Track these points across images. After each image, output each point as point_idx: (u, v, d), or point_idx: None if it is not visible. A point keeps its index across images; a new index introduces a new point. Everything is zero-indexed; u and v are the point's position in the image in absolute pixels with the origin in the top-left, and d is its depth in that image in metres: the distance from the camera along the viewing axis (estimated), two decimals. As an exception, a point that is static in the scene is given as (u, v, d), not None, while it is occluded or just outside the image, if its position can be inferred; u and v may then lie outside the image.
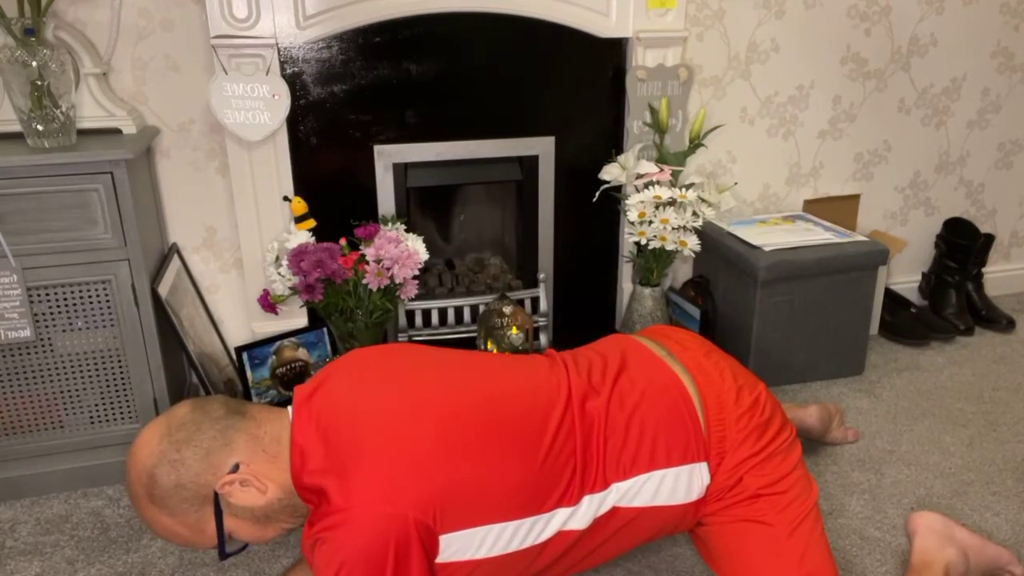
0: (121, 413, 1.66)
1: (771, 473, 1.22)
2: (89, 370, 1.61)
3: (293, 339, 1.92)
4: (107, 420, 1.66)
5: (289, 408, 1.14)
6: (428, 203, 2.24)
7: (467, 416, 1.10)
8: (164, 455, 1.05)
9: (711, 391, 1.25)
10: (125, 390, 1.65)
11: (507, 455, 1.10)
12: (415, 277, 1.79)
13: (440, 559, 1.05)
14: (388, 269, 1.74)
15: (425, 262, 1.79)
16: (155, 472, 1.04)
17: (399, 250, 1.75)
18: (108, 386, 1.63)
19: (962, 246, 2.45)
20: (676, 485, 1.20)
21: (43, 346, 1.57)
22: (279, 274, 1.77)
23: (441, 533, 1.03)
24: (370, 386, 1.12)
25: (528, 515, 1.10)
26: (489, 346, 1.85)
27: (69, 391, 1.61)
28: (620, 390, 1.22)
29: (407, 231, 1.86)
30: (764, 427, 1.25)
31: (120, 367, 1.63)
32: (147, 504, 1.06)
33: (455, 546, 1.05)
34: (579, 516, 1.15)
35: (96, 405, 1.64)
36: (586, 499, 1.15)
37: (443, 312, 2.00)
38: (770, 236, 2.08)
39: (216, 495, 1.06)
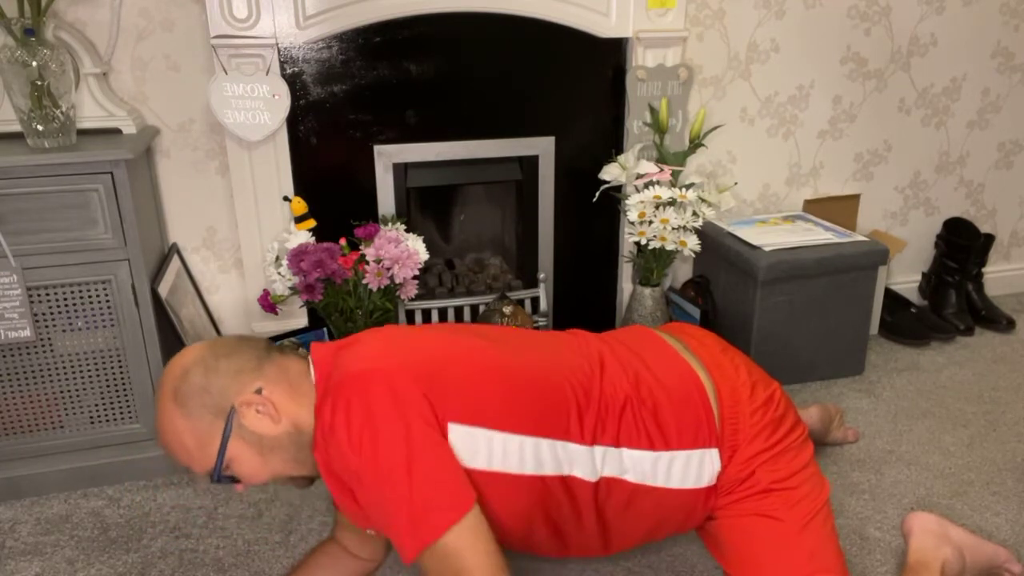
0: (121, 413, 1.66)
1: (783, 468, 1.23)
2: (89, 370, 1.61)
3: (293, 339, 1.92)
4: (107, 420, 1.66)
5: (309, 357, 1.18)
6: (428, 203, 2.24)
7: (478, 350, 1.15)
8: (202, 359, 1.09)
9: (726, 385, 1.25)
10: (125, 390, 1.65)
11: (522, 367, 1.14)
12: (415, 277, 1.79)
13: None
14: (388, 269, 1.74)
15: (425, 262, 1.80)
16: (190, 371, 1.08)
17: (399, 250, 1.75)
18: (108, 386, 1.63)
19: (962, 246, 2.45)
20: (687, 469, 1.20)
21: (43, 346, 1.57)
22: (279, 274, 1.77)
23: (445, 419, 1.05)
24: (395, 342, 1.16)
25: (534, 433, 1.11)
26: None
27: (69, 391, 1.61)
28: (639, 371, 1.23)
29: (407, 231, 1.86)
30: (778, 423, 1.25)
31: (120, 367, 1.63)
32: (170, 402, 1.08)
33: (459, 445, 1.06)
34: (586, 462, 1.14)
35: (96, 405, 1.64)
36: (598, 448, 1.15)
37: (443, 312, 2.00)
38: (770, 236, 2.08)
39: (231, 415, 1.08)
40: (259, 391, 1.09)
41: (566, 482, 1.14)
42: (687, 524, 1.28)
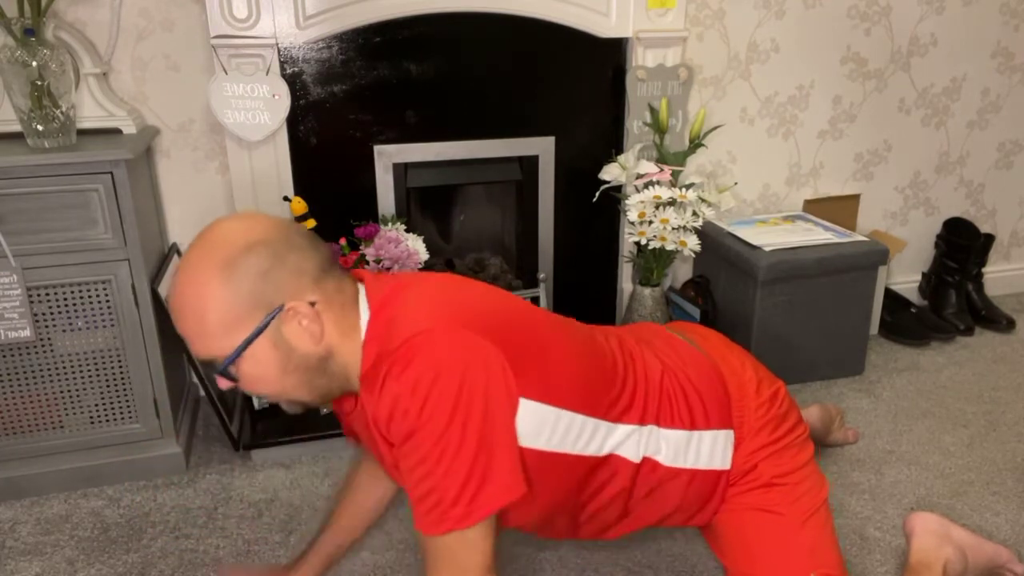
0: (121, 413, 1.66)
1: (785, 464, 1.24)
2: (89, 370, 1.61)
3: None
4: (107, 420, 1.66)
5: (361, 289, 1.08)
6: (428, 203, 2.24)
7: (539, 317, 1.12)
8: (273, 243, 0.97)
9: (733, 379, 1.26)
10: (125, 390, 1.65)
11: (575, 341, 1.11)
12: (415, 277, 1.78)
13: None
14: (388, 269, 1.74)
15: (425, 262, 1.79)
16: (255, 248, 0.95)
17: (399, 250, 1.75)
18: (108, 386, 1.63)
19: (962, 246, 2.45)
20: (714, 448, 1.21)
21: (43, 346, 1.57)
22: (279, 274, 1.76)
23: (520, 393, 1.00)
24: (466, 293, 1.11)
25: (593, 414, 1.09)
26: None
27: (69, 391, 1.61)
28: (664, 355, 1.24)
29: (407, 231, 1.86)
30: (781, 419, 1.27)
31: (120, 367, 1.63)
32: (216, 267, 0.95)
33: (526, 421, 1.01)
34: (634, 443, 1.14)
35: (96, 405, 1.64)
36: (644, 428, 1.15)
37: (443, 312, 2.00)
38: (770, 236, 2.08)
39: (276, 314, 0.97)
40: (313, 304, 0.99)
41: (611, 462, 1.13)
42: (700, 515, 1.26)
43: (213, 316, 0.95)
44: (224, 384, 1.02)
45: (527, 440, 1.02)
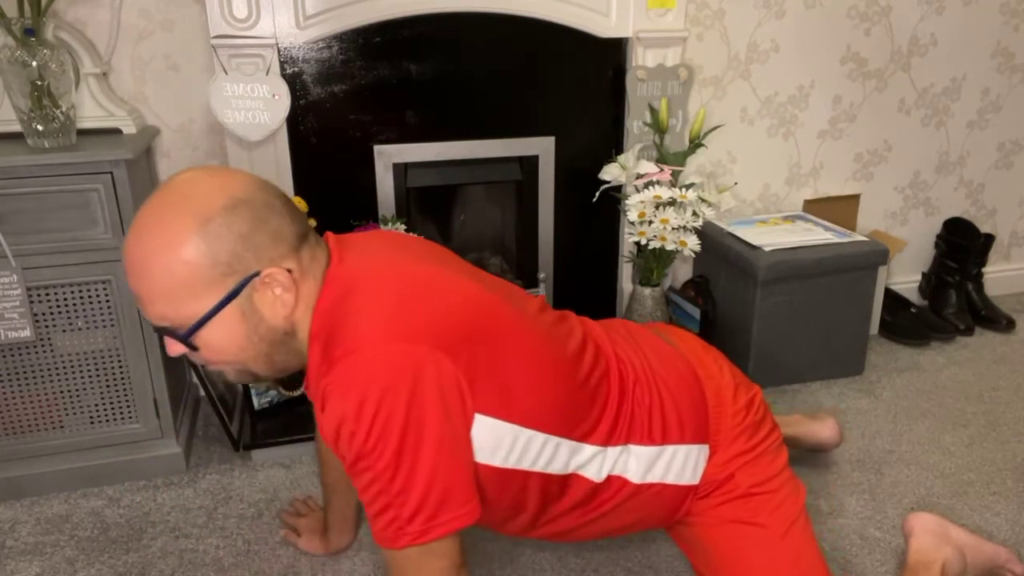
0: (121, 413, 1.66)
1: (762, 472, 1.21)
2: (89, 370, 1.61)
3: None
4: (107, 420, 1.66)
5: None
6: (428, 203, 2.24)
7: (505, 310, 1.03)
8: (255, 204, 0.90)
9: (711, 383, 1.24)
10: (125, 390, 1.64)
11: (544, 355, 1.04)
12: (415, 277, 1.78)
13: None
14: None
15: (425, 262, 1.79)
16: (238, 207, 0.88)
17: (399, 250, 1.75)
18: (108, 386, 1.63)
19: (962, 246, 2.45)
20: (685, 463, 1.17)
21: (43, 346, 1.57)
22: (279, 274, 1.76)
23: (475, 410, 0.94)
24: (407, 258, 1.04)
25: (557, 433, 1.04)
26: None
27: (69, 391, 1.61)
28: (641, 362, 1.19)
29: (407, 231, 1.86)
30: (757, 426, 1.25)
31: (120, 367, 1.63)
32: (192, 221, 0.87)
33: (482, 437, 0.96)
34: (598, 463, 1.11)
35: (96, 405, 1.64)
36: (610, 449, 1.11)
37: (443, 312, 2.00)
38: (770, 236, 2.08)
39: (249, 280, 0.90)
40: (290, 272, 0.93)
41: (568, 480, 1.10)
42: (664, 522, 1.25)
43: (182, 277, 0.87)
44: (175, 350, 0.94)
45: (483, 456, 0.98)
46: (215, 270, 0.88)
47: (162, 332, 0.93)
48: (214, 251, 0.87)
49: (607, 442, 1.11)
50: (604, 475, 1.12)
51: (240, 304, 0.91)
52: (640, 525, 1.24)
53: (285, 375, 1.04)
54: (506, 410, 0.98)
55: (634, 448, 1.14)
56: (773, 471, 1.22)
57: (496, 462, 1.00)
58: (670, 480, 1.17)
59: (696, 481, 1.20)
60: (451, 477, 0.93)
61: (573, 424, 1.07)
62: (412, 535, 0.92)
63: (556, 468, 1.07)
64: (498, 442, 0.99)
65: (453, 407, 0.92)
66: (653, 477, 1.16)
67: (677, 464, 1.17)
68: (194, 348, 0.94)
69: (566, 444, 1.07)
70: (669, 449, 1.16)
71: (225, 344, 0.93)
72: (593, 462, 1.11)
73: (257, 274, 0.90)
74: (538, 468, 1.05)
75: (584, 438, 1.09)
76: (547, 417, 1.03)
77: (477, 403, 0.94)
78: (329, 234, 1.05)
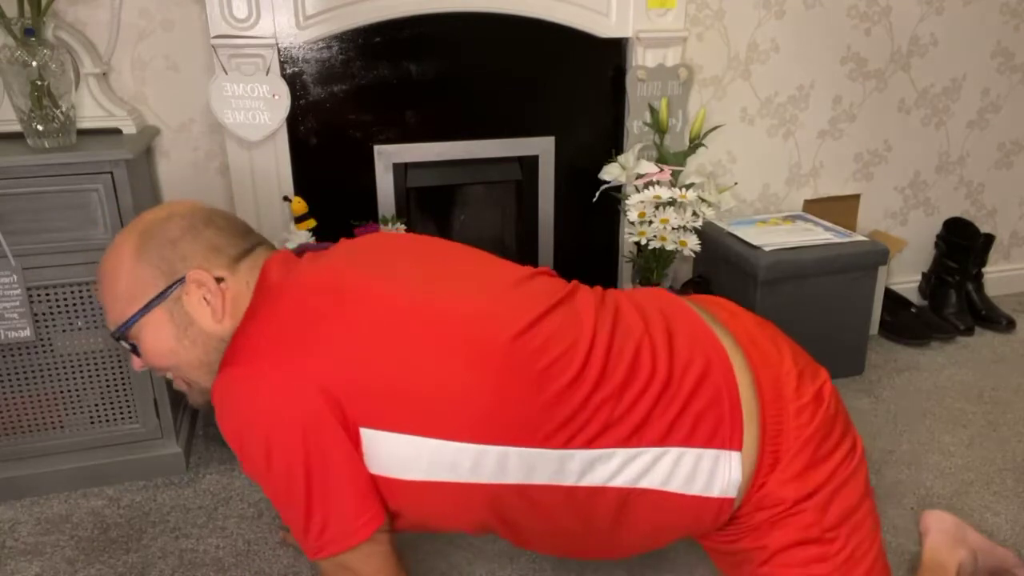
0: (121, 413, 1.66)
1: (837, 505, 0.99)
2: (89, 370, 1.61)
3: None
4: (107, 420, 1.66)
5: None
6: (428, 203, 2.24)
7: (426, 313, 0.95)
8: (192, 216, 1.00)
9: (767, 372, 1.01)
10: (125, 390, 1.64)
11: (482, 366, 0.93)
12: (415, 277, 1.78)
13: (370, 468, 0.93)
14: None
15: (425, 262, 1.79)
16: (172, 219, 0.99)
17: (399, 250, 1.75)
18: (108, 386, 1.63)
19: (962, 246, 2.45)
20: (696, 471, 0.96)
21: (43, 346, 1.57)
22: (279, 274, 1.76)
23: (361, 424, 0.91)
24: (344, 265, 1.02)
25: (501, 442, 0.92)
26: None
27: (69, 391, 1.61)
28: (652, 342, 1.00)
29: (407, 231, 1.86)
30: (828, 430, 1.00)
31: (120, 367, 1.62)
32: (134, 234, 0.99)
33: (383, 454, 0.92)
34: (556, 469, 0.94)
35: (96, 405, 1.64)
36: (566, 451, 0.94)
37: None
38: (770, 236, 2.08)
39: (176, 285, 0.97)
40: (220, 280, 0.99)
41: (526, 491, 0.96)
42: (694, 529, 1.05)
43: (122, 282, 0.98)
44: (135, 363, 1.03)
45: (389, 470, 0.93)
46: (147, 273, 0.98)
47: (113, 338, 1.01)
48: (144, 254, 0.98)
49: (564, 441, 0.94)
50: (571, 483, 0.96)
51: (168, 306, 0.98)
52: (664, 536, 1.06)
53: None
54: (404, 422, 0.92)
55: (619, 450, 0.96)
56: (850, 503, 0.99)
57: (416, 476, 0.94)
58: (672, 488, 0.97)
59: (711, 494, 0.98)
60: (333, 502, 0.92)
61: (527, 432, 0.93)
62: (312, 551, 0.95)
63: (512, 479, 0.94)
64: (400, 453, 0.93)
65: (327, 432, 0.90)
66: (650, 484, 0.97)
67: (682, 471, 0.97)
68: (136, 351, 1.02)
69: (514, 452, 0.93)
70: (674, 452, 0.96)
71: (160, 347, 1.00)
72: (551, 469, 0.95)
73: (183, 279, 0.98)
74: (484, 480, 0.94)
75: (543, 443, 0.94)
76: (488, 429, 0.93)
77: (362, 418, 0.91)
78: (296, 250, 1.08)
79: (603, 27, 1.96)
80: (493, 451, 0.93)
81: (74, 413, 1.63)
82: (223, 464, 1.76)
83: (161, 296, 0.98)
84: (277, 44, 1.75)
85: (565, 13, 1.92)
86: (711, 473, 0.97)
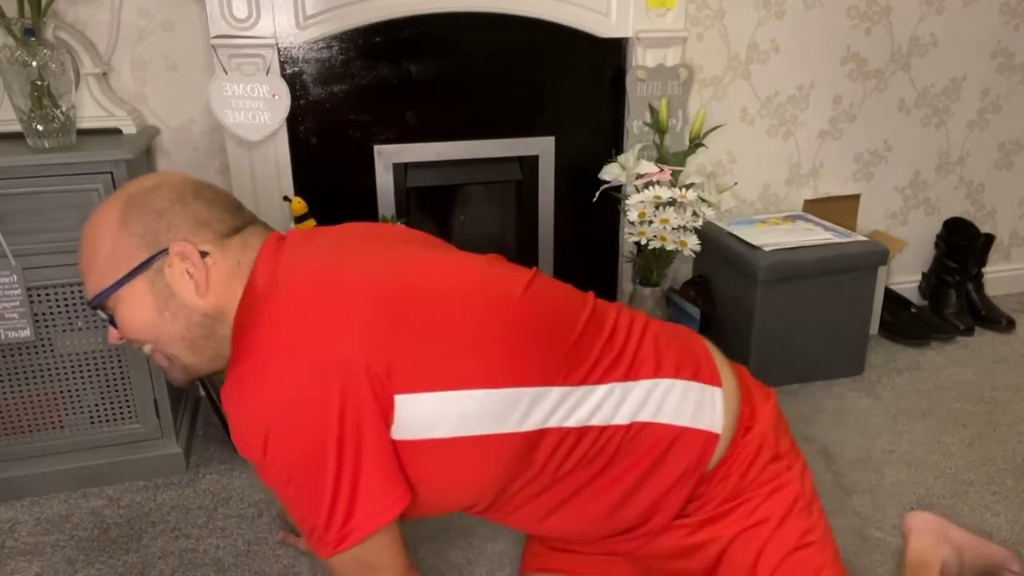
0: (121, 413, 1.66)
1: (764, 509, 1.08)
2: (89, 370, 1.61)
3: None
4: (107, 420, 1.66)
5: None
6: (428, 203, 2.24)
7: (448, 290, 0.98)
8: (181, 187, 0.97)
9: (743, 377, 1.16)
10: (125, 390, 1.64)
11: (474, 303, 0.97)
12: (415, 277, 1.78)
13: (395, 434, 0.92)
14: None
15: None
16: (160, 189, 0.96)
17: (399, 250, 1.75)
18: (108, 386, 1.63)
19: (962, 246, 2.45)
20: (684, 400, 1.05)
21: (43, 346, 1.57)
22: (279, 274, 1.76)
23: (398, 392, 0.90)
24: (342, 251, 1.01)
25: (506, 384, 0.95)
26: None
27: (69, 391, 1.61)
28: (629, 311, 1.12)
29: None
30: (786, 427, 1.16)
31: (120, 367, 1.63)
32: (120, 202, 0.96)
33: (412, 416, 0.91)
34: (571, 406, 0.99)
35: (96, 405, 1.64)
36: (582, 388, 1.00)
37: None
38: (770, 236, 2.08)
39: (159, 256, 0.94)
40: (205, 255, 0.96)
41: (544, 437, 0.99)
42: (683, 477, 1.07)
43: (103, 249, 0.95)
44: (112, 335, 1.00)
45: (417, 432, 0.92)
46: (130, 242, 0.94)
47: (90, 306, 0.98)
48: (131, 225, 0.94)
49: (576, 378, 1.00)
50: (583, 421, 1.01)
51: (150, 277, 0.95)
52: (631, 507, 1.08)
53: (222, 369, 1.01)
54: (434, 378, 0.92)
55: (615, 384, 1.03)
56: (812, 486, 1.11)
57: (443, 434, 0.94)
58: (663, 419, 1.04)
59: (699, 425, 1.05)
60: (362, 483, 0.90)
61: (522, 371, 0.97)
62: (333, 544, 0.92)
63: (516, 423, 0.97)
64: (431, 411, 0.93)
65: (363, 407, 0.89)
66: (644, 416, 1.03)
67: (672, 400, 1.05)
68: (113, 322, 0.98)
69: (522, 395, 0.97)
70: (664, 383, 1.05)
71: (139, 319, 0.97)
72: (562, 408, 1.00)
73: (166, 250, 0.95)
74: (488, 428, 0.96)
75: (545, 381, 0.98)
76: (511, 371, 0.96)
77: (399, 384, 0.90)
78: (285, 231, 1.06)
79: (603, 27, 1.96)
80: (522, 393, 0.96)
81: (74, 413, 1.63)
82: (223, 464, 1.76)
83: (143, 266, 0.94)
84: (277, 44, 1.76)
85: (565, 13, 1.92)
86: (697, 404, 1.06)
